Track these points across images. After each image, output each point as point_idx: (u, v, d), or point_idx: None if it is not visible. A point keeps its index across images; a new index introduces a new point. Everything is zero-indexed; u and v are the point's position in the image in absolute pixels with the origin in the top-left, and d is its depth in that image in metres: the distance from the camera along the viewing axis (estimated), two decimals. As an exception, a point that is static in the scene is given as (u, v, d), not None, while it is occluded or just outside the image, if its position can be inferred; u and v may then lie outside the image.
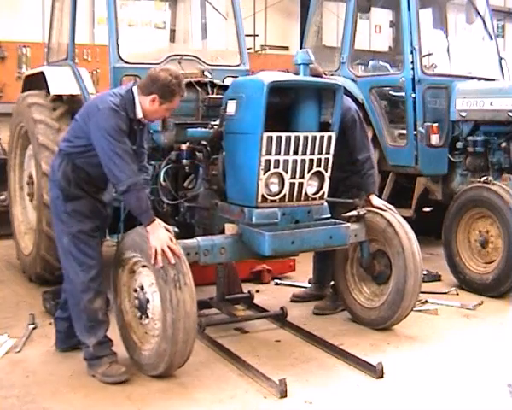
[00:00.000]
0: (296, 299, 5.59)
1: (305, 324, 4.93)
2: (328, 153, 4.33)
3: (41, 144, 5.56)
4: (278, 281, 6.22)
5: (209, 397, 3.75)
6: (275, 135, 4.08)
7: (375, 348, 4.52)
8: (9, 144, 6.68)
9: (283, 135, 4.12)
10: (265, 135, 4.04)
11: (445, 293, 5.87)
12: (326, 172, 4.36)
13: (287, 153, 4.15)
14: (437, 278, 6.24)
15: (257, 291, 5.68)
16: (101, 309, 4.05)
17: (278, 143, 4.10)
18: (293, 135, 4.16)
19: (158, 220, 3.87)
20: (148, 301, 3.93)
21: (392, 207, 4.89)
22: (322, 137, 4.28)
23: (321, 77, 4.81)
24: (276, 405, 3.67)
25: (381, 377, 4.01)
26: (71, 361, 4.20)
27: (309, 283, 5.83)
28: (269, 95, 4.01)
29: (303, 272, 6.17)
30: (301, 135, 4.19)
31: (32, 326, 4.76)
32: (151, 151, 4.83)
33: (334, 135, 4.34)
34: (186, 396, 3.75)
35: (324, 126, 4.36)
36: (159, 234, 3.78)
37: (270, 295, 5.69)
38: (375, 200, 4.92)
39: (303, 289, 5.81)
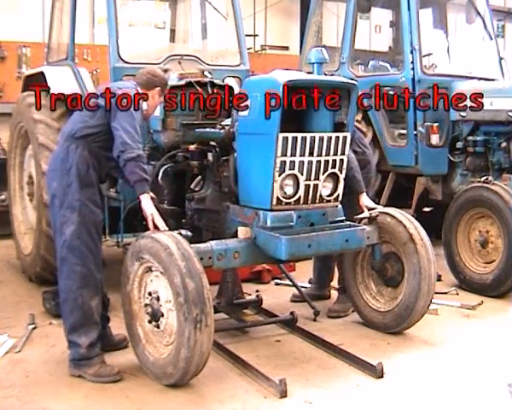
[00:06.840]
0: (296, 299, 5.57)
1: (305, 324, 4.92)
2: (343, 154, 4.25)
3: (41, 144, 5.56)
4: (278, 281, 6.21)
5: (209, 397, 3.74)
6: (290, 136, 3.98)
7: (375, 348, 4.52)
8: (9, 144, 6.68)
9: (299, 136, 4.02)
10: (281, 136, 3.94)
11: (445, 293, 5.87)
12: (341, 173, 4.28)
13: (302, 154, 4.06)
14: (437, 278, 6.22)
15: (257, 291, 5.68)
16: (97, 309, 3.98)
17: (294, 143, 4.00)
18: (308, 135, 4.06)
19: (151, 194, 3.98)
20: (162, 315, 3.83)
21: (378, 207, 4.84)
22: (337, 138, 4.20)
23: None
24: (276, 405, 3.67)
25: (381, 377, 4.01)
26: (71, 361, 4.20)
27: (309, 283, 5.83)
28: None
29: (303, 272, 6.16)
30: (317, 135, 4.10)
31: (32, 326, 4.75)
32: (151, 151, 4.84)
33: (349, 135, 4.27)
34: (186, 396, 3.74)
35: (339, 127, 4.27)
36: (150, 204, 3.93)
37: (270, 295, 5.68)
38: (363, 198, 4.85)
39: (303, 289, 5.81)
